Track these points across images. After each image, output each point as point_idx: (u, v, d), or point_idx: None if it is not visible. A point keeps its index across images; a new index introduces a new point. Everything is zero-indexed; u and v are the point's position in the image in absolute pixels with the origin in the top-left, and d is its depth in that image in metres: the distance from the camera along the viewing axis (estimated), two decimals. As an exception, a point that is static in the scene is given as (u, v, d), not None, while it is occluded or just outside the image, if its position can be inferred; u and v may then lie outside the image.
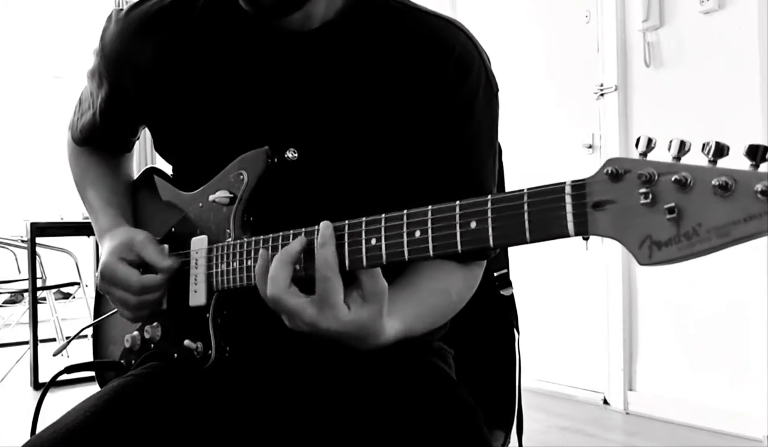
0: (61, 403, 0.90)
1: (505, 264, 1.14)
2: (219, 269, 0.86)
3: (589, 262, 3.11)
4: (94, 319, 1.10)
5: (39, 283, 4.08)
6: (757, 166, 0.48)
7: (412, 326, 0.84)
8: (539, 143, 3.31)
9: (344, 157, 0.89)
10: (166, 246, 0.94)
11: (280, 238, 0.79)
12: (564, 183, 0.58)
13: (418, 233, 0.68)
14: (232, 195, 0.87)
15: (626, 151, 2.84)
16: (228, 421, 0.87)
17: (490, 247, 0.64)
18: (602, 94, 3.04)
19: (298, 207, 0.80)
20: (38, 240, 3.80)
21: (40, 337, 3.73)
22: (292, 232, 0.77)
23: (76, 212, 4.26)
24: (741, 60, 2.52)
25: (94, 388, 0.96)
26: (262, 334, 0.90)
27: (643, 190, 0.53)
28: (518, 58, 3.48)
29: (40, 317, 3.79)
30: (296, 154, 0.89)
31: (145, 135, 1.13)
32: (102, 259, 0.94)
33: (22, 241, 4.19)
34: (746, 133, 2.44)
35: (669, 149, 0.53)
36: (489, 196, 0.63)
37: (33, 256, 3.69)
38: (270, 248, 0.79)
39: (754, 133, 2.41)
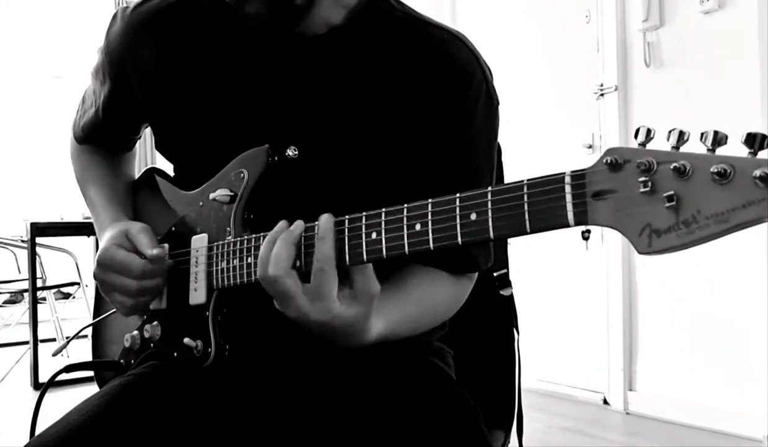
0: (61, 403, 0.90)
1: (505, 264, 1.14)
2: (219, 267, 0.86)
3: (589, 262, 3.12)
4: (94, 318, 1.10)
5: (39, 283, 4.08)
6: (755, 153, 0.48)
7: (395, 329, 0.85)
8: (539, 143, 3.31)
9: (344, 156, 0.90)
10: (166, 245, 0.94)
11: None
12: (564, 173, 0.58)
13: (418, 226, 0.68)
14: (232, 193, 0.87)
15: (626, 151, 2.83)
16: (228, 420, 0.87)
17: (490, 238, 0.64)
18: (602, 94, 3.04)
19: (298, 205, 0.80)
20: (38, 240, 3.80)
21: (40, 337, 3.73)
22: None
23: (76, 212, 4.27)
24: (741, 60, 2.52)
25: (93, 388, 0.97)
26: (262, 333, 0.90)
27: (642, 178, 0.53)
28: (518, 58, 3.48)
29: (40, 317, 3.78)
30: (297, 152, 0.89)
31: (146, 135, 1.14)
32: (100, 248, 0.94)
33: (22, 241, 4.19)
34: (746, 132, 2.43)
35: (668, 139, 0.54)
36: (489, 188, 0.64)
37: (33, 256, 3.69)
38: None
39: (753, 132, 2.40)
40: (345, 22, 0.91)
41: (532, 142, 3.30)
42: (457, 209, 0.65)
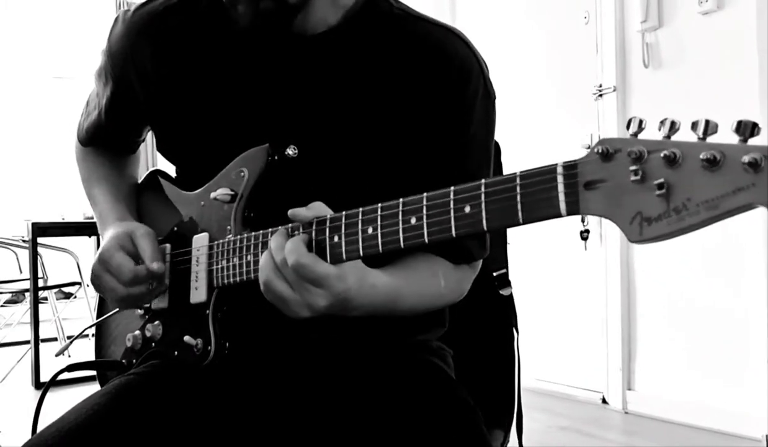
0: (62, 403, 0.89)
1: (504, 264, 1.14)
2: (219, 265, 0.87)
3: (588, 262, 3.12)
4: (96, 318, 1.10)
5: (40, 283, 4.09)
6: (745, 141, 0.48)
7: (400, 289, 0.84)
8: (538, 143, 3.31)
9: (343, 155, 0.90)
10: (168, 245, 0.94)
11: None
12: (556, 164, 0.59)
13: (413, 220, 0.69)
14: (233, 192, 0.88)
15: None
16: (229, 418, 0.87)
17: (484, 229, 0.64)
18: (601, 95, 3.05)
19: (298, 203, 0.81)
20: (39, 240, 3.80)
21: (41, 336, 3.73)
22: (290, 226, 0.78)
23: (78, 212, 4.28)
24: (740, 61, 2.52)
25: (94, 388, 0.97)
26: (262, 332, 0.91)
27: (633, 167, 0.53)
28: (517, 58, 3.48)
29: (41, 317, 3.79)
30: (296, 151, 0.90)
31: (149, 138, 1.14)
32: (102, 244, 0.94)
33: (24, 241, 4.19)
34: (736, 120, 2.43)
35: (660, 129, 0.54)
36: (482, 181, 0.64)
37: (34, 256, 3.70)
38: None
39: (752, 132, 2.40)
40: (343, 21, 0.92)
41: (531, 143, 3.30)
42: (452, 202, 0.66)
